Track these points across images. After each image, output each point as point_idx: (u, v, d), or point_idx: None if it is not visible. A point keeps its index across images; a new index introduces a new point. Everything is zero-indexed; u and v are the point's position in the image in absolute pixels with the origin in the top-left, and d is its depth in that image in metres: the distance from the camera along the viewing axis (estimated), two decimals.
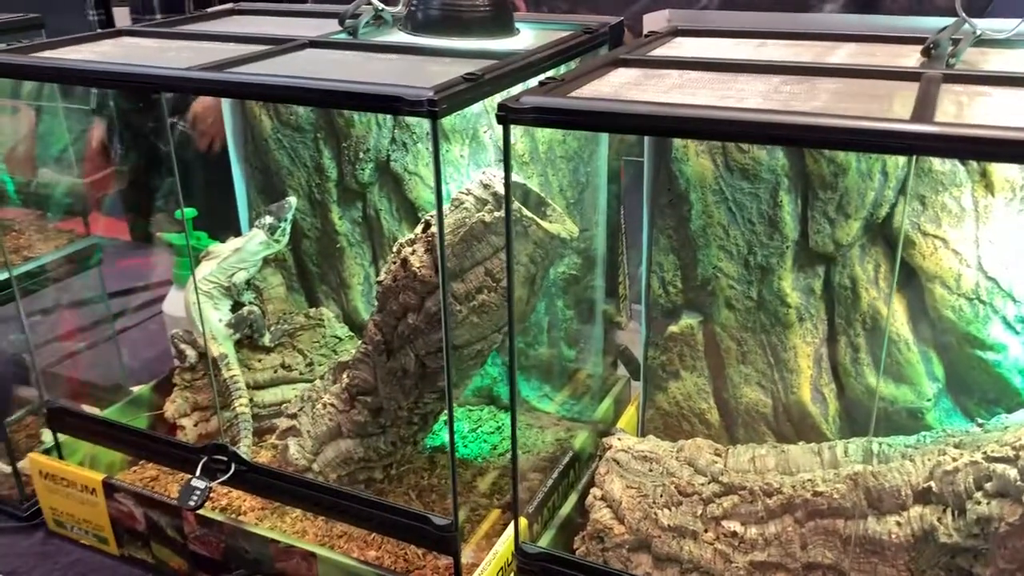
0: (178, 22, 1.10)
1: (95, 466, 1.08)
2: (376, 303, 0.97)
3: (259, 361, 1.17)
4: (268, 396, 1.15)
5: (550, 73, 0.82)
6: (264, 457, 1.09)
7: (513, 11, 1.02)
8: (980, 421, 0.86)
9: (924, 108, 0.62)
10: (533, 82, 0.78)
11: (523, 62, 0.82)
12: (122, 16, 1.87)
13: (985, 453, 0.75)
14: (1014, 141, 0.55)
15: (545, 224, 0.90)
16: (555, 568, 0.82)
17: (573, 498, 0.96)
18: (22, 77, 1.02)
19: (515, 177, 0.92)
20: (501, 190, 0.91)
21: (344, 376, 1.02)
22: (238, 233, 1.23)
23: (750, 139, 0.77)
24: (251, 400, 1.11)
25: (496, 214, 0.90)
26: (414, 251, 0.92)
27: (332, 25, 1.02)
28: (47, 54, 0.91)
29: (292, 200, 1.17)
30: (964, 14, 0.81)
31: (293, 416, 1.04)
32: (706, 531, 0.84)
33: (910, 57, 0.82)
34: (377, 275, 1.23)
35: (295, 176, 1.21)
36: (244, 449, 1.04)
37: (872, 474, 0.79)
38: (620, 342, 1.19)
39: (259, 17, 1.16)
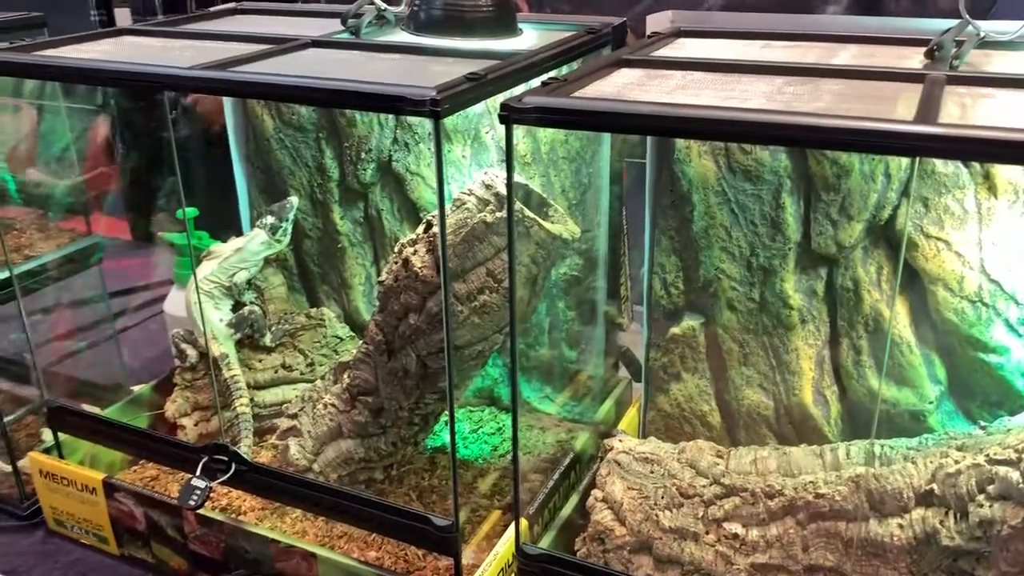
0: (180, 21, 1.10)
1: (95, 465, 1.08)
2: (377, 303, 0.97)
3: (260, 361, 1.16)
4: (269, 396, 1.15)
5: (553, 73, 0.82)
6: (264, 457, 1.09)
7: (516, 12, 1.01)
8: (983, 424, 0.85)
9: (928, 109, 0.62)
10: (536, 82, 0.78)
11: (526, 62, 0.81)
12: (123, 17, 1.87)
13: (988, 456, 0.75)
14: (1018, 142, 0.55)
15: (547, 225, 0.89)
16: (556, 569, 0.82)
17: (574, 499, 0.96)
18: (24, 75, 1.02)
19: (517, 178, 0.92)
20: (503, 190, 0.91)
21: (345, 376, 1.01)
22: (239, 233, 1.23)
23: (754, 140, 0.77)
24: (252, 400, 1.10)
25: (498, 214, 0.89)
26: (416, 251, 0.92)
27: (334, 25, 1.02)
28: (49, 52, 0.91)
29: (294, 200, 1.17)
30: (968, 16, 0.81)
31: (294, 416, 1.04)
32: (707, 533, 0.83)
33: (913, 59, 0.82)
34: (378, 275, 1.23)
35: (297, 176, 1.21)
36: (245, 449, 1.04)
37: (874, 476, 0.78)
38: (622, 344, 1.19)
39: (261, 16, 1.16)
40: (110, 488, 1.01)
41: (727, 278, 0.97)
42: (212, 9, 1.18)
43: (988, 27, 0.84)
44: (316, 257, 1.26)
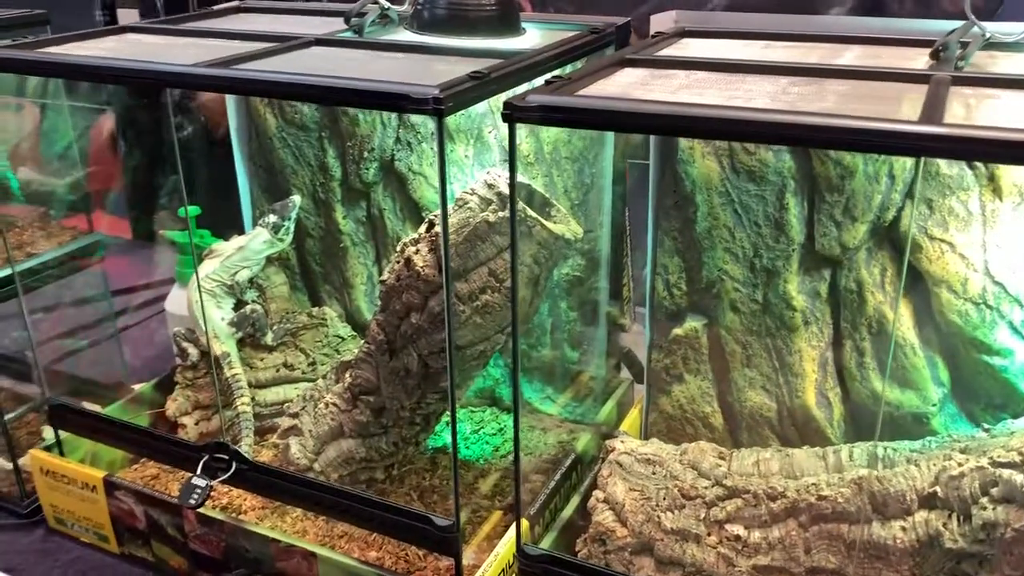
0: (183, 19, 1.10)
1: (96, 464, 1.08)
2: (379, 303, 0.97)
3: (261, 360, 1.16)
4: (270, 395, 1.15)
5: (556, 73, 0.82)
6: (265, 456, 1.08)
7: (519, 11, 1.01)
8: (986, 426, 0.85)
9: (933, 110, 0.61)
10: (539, 81, 0.77)
11: (529, 61, 0.81)
12: (128, 18, 1.87)
13: (991, 458, 0.75)
14: (1022, 143, 0.54)
15: (549, 225, 0.89)
16: (557, 570, 0.82)
17: (575, 500, 0.96)
18: (28, 72, 1.01)
19: (520, 177, 0.92)
20: (505, 190, 0.91)
21: (347, 376, 1.01)
22: (241, 231, 1.23)
23: (759, 139, 0.76)
24: (252, 399, 1.10)
25: (500, 214, 0.89)
26: (418, 251, 0.92)
27: (338, 23, 1.02)
28: (53, 50, 0.91)
29: (296, 199, 1.17)
30: (973, 17, 0.80)
31: (295, 415, 1.04)
32: (709, 535, 0.83)
33: (918, 60, 0.82)
34: (380, 275, 1.23)
35: (299, 175, 1.21)
36: (245, 448, 1.03)
37: (877, 478, 0.78)
38: (624, 345, 1.19)
39: (265, 15, 1.16)
40: (111, 486, 1.00)
41: (730, 279, 0.96)
42: (216, 7, 1.18)
43: (994, 28, 0.84)
44: (318, 256, 1.26)
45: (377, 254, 1.24)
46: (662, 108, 0.63)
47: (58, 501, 1.06)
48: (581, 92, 0.70)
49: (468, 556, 0.90)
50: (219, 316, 1.12)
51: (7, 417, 1.14)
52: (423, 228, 0.94)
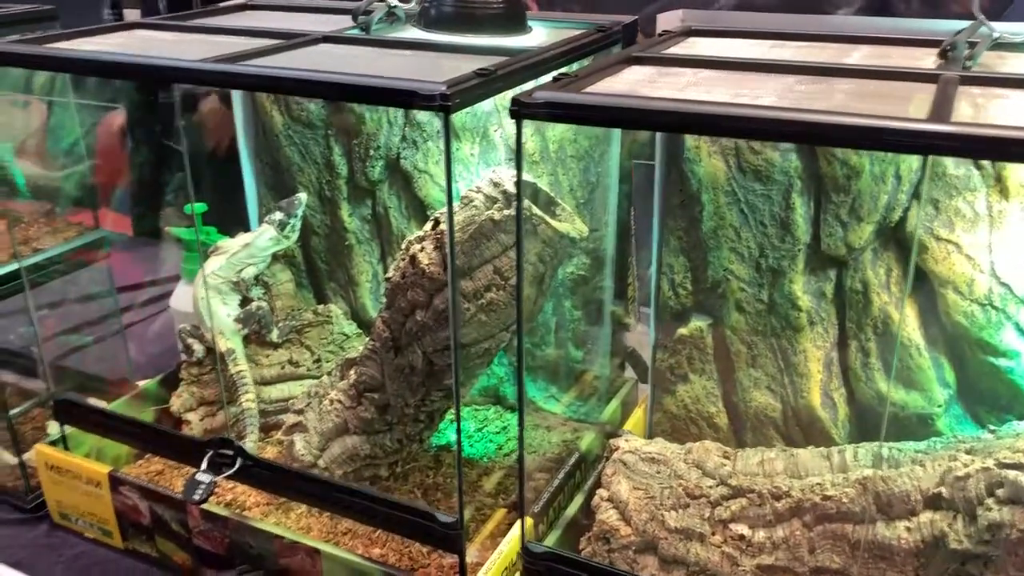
0: (191, 16, 1.10)
1: (101, 459, 1.08)
2: (384, 300, 0.97)
3: (266, 357, 1.16)
4: (275, 392, 1.15)
5: (562, 71, 0.82)
6: (269, 453, 1.08)
7: (526, 9, 1.01)
8: (992, 427, 0.85)
9: (942, 108, 0.61)
10: (545, 79, 0.77)
11: (535, 59, 0.81)
12: (129, 17, 1.88)
13: (997, 459, 0.74)
14: None
15: (554, 223, 0.89)
16: (561, 568, 0.82)
17: (579, 499, 0.96)
18: (37, 67, 1.02)
19: (525, 176, 0.92)
20: (511, 188, 0.91)
21: (352, 373, 1.01)
22: (247, 229, 1.23)
23: (767, 136, 0.76)
24: (258, 396, 1.10)
25: (506, 212, 0.89)
26: (423, 248, 0.92)
27: (344, 21, 1.02)
28: (61, 45, 0.92)
29: (302, 196, 1.17)
30: (982, 16, 0.80)
31: (300, 412, 1.04)
32: (713, 534, 0.83)
33: (926, 59, 0.82)
34: (385, 273, 1.23)
35: (305, 172, 1.21)
36: (250, 444, 1.04)
37: (882, 479, 0.78)
38: (628, 344, 1.19)
39: (271, 12, 1.16)
40: (115, 482, 1.01)
41: (736, 279, 0.96)
42: (222, 4, 1.18)
43: (1002, 28, 0.84)
44: (324, 254, 1.26)
45: (382, 252, 1.24)
46: (670, 105, 0.63)
47: (63, 496, 1.06)
48: (588, 89, 0.70)
49: (471, 554, 0.90)
50: (225, 313, 1.12)
51: (12, 412, 1.14)
52: (428, 226, 0.94)
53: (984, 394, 0.91)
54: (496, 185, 0.93)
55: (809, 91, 0.71)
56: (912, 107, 0.65)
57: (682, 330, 1.01)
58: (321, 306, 1.23)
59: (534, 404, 1.18)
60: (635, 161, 1.07)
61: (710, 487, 0.85)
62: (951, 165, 0.88)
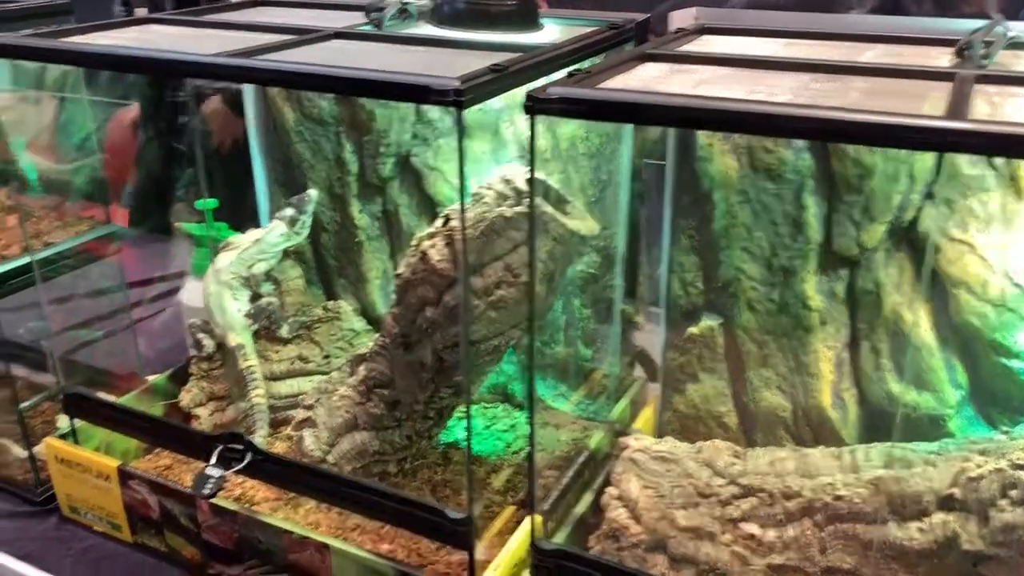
0: (203, 11, 1.10)
1: (110, 453, 1.08)
2: (394, 296, 0.97)
3: (276, 353, 1.17)
4: (284, 388, 1.15)
5: (576, 67, 0.81)
6: (279, 448, 1.09)
7: (538, 7, 1.01)
8: (1005, 429, 0.84)
9: (959, 105, 0.61)
10: (557, 76, 0.77)
11: (549, 55, 0.81)
12: (140, 14, 1.88)
13: (1010, 460, 0.74)
14: None
15: (565, 220, 0.89)
16: (571, 566, 0.81)
17: (588, 497, 0.95)
18: (52, 61, 1.02)
19: (536, 173, 0.91)
20: (522, 185, 0.91)
21: (361, 368, 1.01)
22: (257, 225, 1.23)
23: (785, 133, 0.76)
24: (267, 392, 1.10)
25: (517, 209, 0.89)
26: (433, 244, 0.92)
27: (357, 18, 1.02)
28: (75, 39, 0.92)
29: (313, 193, 1.17)
30: (999, 15, 0.80)
31: (309, 408, 1.04)
32: (724, 533, 0.83)
33: (941, 58, 0.81)
34: (395, 270, 1.23)
35: (316, 169, 1.21)
36: (259, 439, 1.04)
37: (894, 479, 0.78)
38: (636, 344, 1.19)
39: (282, 8, 1.16)
40: (125, 476, 1.01)
41: (747, 278, 0.96)
42: (233, 0, 1.18)
43: (1018, 27, 0.83)
44: (333, 251, 1.26)
45: (392, 249, 1.24)
46: (687, 101, 0.62)
47: (72, 489, 1.06)
48: (603, 85, 0.70)
49: (480, 551, 0.90)
50: (235, 308, 1.12)
51: (22, 406, 1.14)
52: (439, 222, 0.94)
53: (996, 396, 0.91)
54: (507, 182, 0.92)
55: (824, 89, 0.70)
56: (928, 105, 0.65)
57: (693, 329, 1.01)
58: (331, 302, 1.23)
59: (543, 402, 1.18)
60: (646, 161, 1.07)
61: (720, 486, 0.85)
62: (965, 165, 0.87)
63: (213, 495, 0.91)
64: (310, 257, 1.28)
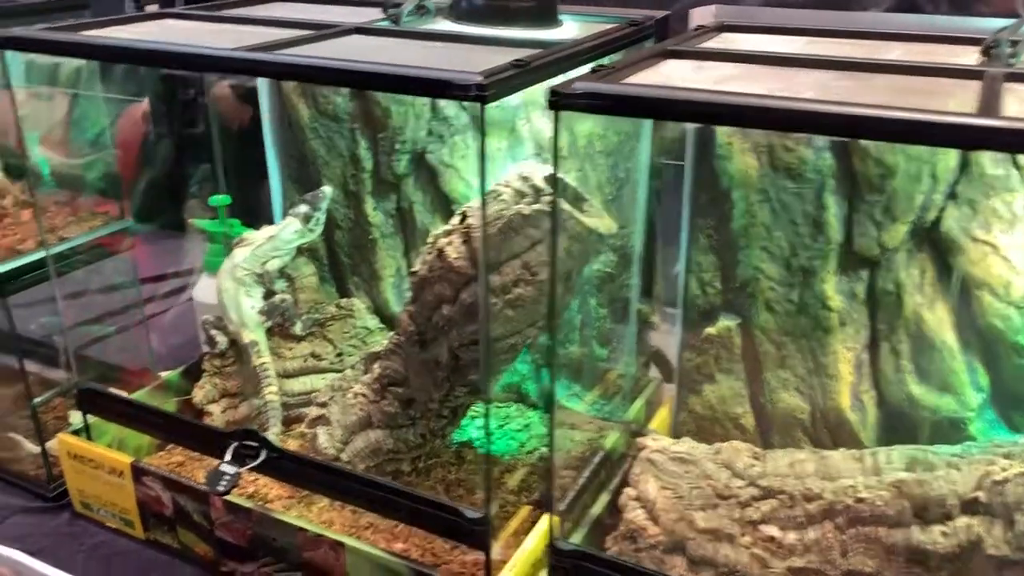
0: (220, 6, 1.10)
1: (122, 450, 1.08)
2: (411, 293, 0.96)
3: (289, 350, 1.16)
4: (297, 385, 1.15)
5: (598, 63, 0.81)
6: (292, 446, 1.08)
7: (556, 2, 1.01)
8: None
9: (991, 103, 0.60)
10: (576, 73, 0.76)
11: (570, 51, 0.80)
12: (151, 10, 1.88)
13: None
14: None
15: (583, 218, 0.88)
16: (589, 566, 0.81)
17: (604, 498, 0.94)
18: (72, 55, 1.02)
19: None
20: (540, 183, 0.90)
21: (375, 366, 1.01)
22: (271, 221, 1.23)
23: (819, 131, 0.75)
24: (280, 389, 1.10)
25: (535, 206, 0.88)
26: (450, 242, 0.91)
27: (373, 14, 1.02)
28: (93, 33, 0.92)
29: (327, 190, 1.17)
30: None
31: (323, 405, 1.03)
32: (743, 535, 0.82)
33: (965, 57, 0.80)
34: (409, 267, 1.23)
35: (331, 166, 1.21)
36: (272, 437, 1.03)
37: (917, 482, 0.77)
38: (652, 344, 1.18)
39: (299, 4, 1.15)
40: (138, 472, 1.00)
41: (766, 278, 0.95)
42: None
43: None
44: (347, 248, 1.25)
45: (406, 247, 1.24)
46: (718, 97, 0.61)
47: (85, 485, 1.06)
48: (627, 81, 0.69)
49: (495, 551, 0.89)
50: (248, 305, 1.12)
51: (35, 401, 1.14)
52: (456, 219, 0.93)
53: (1019, 398, 0.90)
54: (525, 179, 0.92)
55: (850, 86, 0.70)
56: (960, 103, 0.64)
57: (710, 329, 1.00)
58: (344, 300, 1.23)
59: (557, 402, 1.17)
60: (664, 161, 1.07)
61: (740, 488, 0.84)
62: (989, 165, 0.87)
63: (228, 492, 0.91)
64: (323, 254, 1.27)
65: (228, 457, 0.93)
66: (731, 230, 0.95)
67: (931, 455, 0.81)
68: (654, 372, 1.19)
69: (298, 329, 1.16)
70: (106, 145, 1.27)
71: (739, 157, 0.93)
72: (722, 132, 0.92)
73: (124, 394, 1.11)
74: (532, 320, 0.93)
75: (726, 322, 1.00)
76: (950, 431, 0.91)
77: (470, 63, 0.72)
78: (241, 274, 1.12)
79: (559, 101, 0.66)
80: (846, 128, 0.60)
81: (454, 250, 0.90)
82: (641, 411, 1.12)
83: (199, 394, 1.13)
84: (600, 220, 0.91)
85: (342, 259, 1.26)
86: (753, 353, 0.99)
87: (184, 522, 0.99)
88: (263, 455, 0.92)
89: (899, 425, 0.95)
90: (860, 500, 0.78)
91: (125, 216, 1.23)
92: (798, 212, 0.92)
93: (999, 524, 0.74)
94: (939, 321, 0.91)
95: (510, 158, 1.10)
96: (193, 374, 1.17)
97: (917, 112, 0.55)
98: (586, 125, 1.05)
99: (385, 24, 0.98)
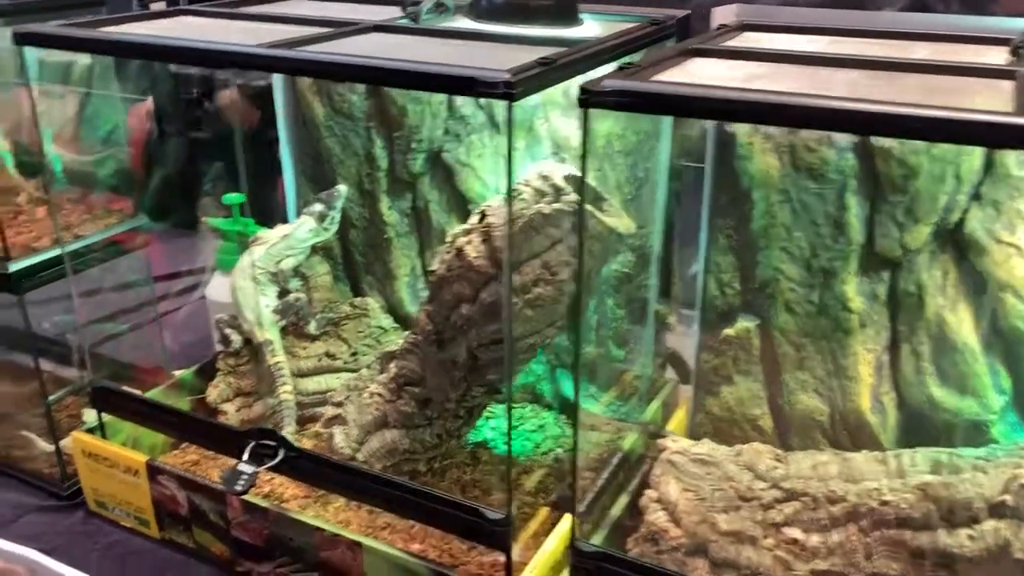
0: (238, 3, 1.09)
1: (137, 448, 1.07)
2: (428, 292, 0.96)
3: (303, 349, 1.16)
4: (311, 384, 1.14)
5: (623, 61, 0.80)
6: (307, 445, 1.07)
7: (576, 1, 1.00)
8: None
9: None
10: (599, 71, 0.76)
11: (595, 49, 0.80)
12: (156, 8, 1.88)
13: None
14: None
15: (603, 217, 0.88)
16: (610, 568, 0.80)
17: (623, 500, 0.94)
18: (91, 51, 1.01)
19: (572, 170, 0.91)
20: (560, 182, 0.89)
21: (392, 366, 1.00)
22: (284, 220, 1.22)
23: (855, 130, 0.74)
24: (294, 388, 1.09)
25: (555, 206, 0.88)
26: (470, 241, 0.91)
27: (390, 12, 1.02)
28: (111, 29, 0.91)
29: (342, 188, 1.16)
30: None
31: (339, 405, 1.03)
32: (766, 537, 0.81)
33: (992, 56, 0.80)
34: (424, 267, 1.22)
35: (346, 164, 1.20)
36: (287, 436, 1.03)
37: (943, 484, 0.76)
38: (669, 345, 1.17)
39: (317, 1, 1.15)
40: (153, 471, 1.00)
41: (786, 279, 0.95)
42: None
43: None
44: (362, 247, 1.25)
45: (421, 246, 1.23)
46: (751, 96, 0.61)
47: (99, 484, 1.05)
48: (656, 78, 0.68)
49: (514, 553, 0.88)
50: (263, 304, 1.12)
51: (49, 399, 1.13)
52: (475, 218, 0.93)
53: None
54: (545, 178, 0.91)
55: (879, 85, 0.69)
56: (995, 102, 0.64)
57: (728, 331, 1.00)
58: (358, 299, 1.22)
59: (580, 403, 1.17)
60: (683, 163, 1.06)
61: (762, 489, 0.83)
62: (1014, 166, 0.86)
63: (245, 491, 0.90)
64: (338, 253, 1.27)
65: (246, 456, 0.92)
66: (751, 230, 0.95)
67: (956, 458, 0.80)
68: (670, 373, 1.18)
69: (312, 328, 1.15)
70: (118, 142, 1.26)
71: (760, 157, 0.92)
72: (743, 132, 0.92)
73: (139, 392, 1.11)
74: (551, 320, 0.92)
75: (745, 323, 0.99)
76: (972, 434, 0.91)
77: (495, 61, 0.72)
78: (256, 273, 1.12)
79: (589, 99, 0.65)
80: (895, 127, 0.59)
81: (474, 249, 0.90)
82: (658, 412, 1.11)
83: (213, 393, 1.13)
84: (619, 220, 0.91)
85: (357, 258, 1.26)
86: (772, 355, 0.99)
87: (200, 521, 0.99)
88: (281, 454, 0.92)
89: (920, 427, 0.94)
90: (885, 503, 0.78)
91: (138, 213, 1.22)
92: (819, 213, 0.92)
93: None
94: (961, 323, 0.90)
95: (528, 157, 1.09)
96: (207, 373, 1.17)
97: (964, 112, 0.54)
98: (605, 124, 1.04)
99: (405, 22, 0.97)
